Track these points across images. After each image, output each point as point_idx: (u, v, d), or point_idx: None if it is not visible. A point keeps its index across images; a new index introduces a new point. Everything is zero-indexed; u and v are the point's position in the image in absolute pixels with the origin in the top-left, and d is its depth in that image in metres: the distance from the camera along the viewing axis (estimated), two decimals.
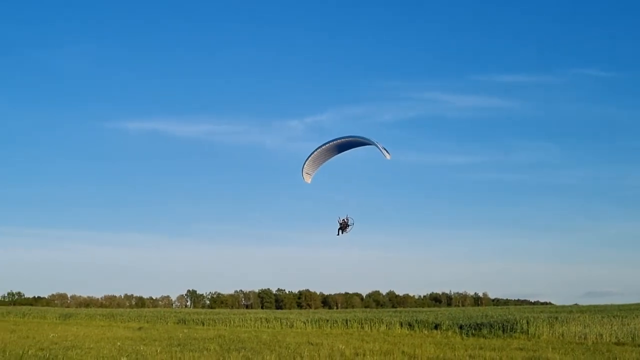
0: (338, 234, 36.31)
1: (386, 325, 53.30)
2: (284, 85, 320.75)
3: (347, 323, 56.34)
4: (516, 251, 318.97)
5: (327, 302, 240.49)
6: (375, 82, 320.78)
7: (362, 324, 55.23)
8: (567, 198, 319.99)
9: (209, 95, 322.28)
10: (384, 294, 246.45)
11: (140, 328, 60.19)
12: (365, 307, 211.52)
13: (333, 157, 35.98)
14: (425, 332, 49.28)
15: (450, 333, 47.23)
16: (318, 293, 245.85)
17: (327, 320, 58.18)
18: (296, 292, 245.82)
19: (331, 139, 34.62)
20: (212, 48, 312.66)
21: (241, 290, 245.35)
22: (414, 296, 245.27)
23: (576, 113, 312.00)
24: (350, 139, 34.45)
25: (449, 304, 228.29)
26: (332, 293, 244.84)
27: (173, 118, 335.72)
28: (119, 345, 36.59)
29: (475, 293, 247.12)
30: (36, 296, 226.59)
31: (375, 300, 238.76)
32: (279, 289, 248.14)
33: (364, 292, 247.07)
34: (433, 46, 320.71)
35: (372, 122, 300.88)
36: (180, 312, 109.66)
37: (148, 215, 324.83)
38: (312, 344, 37.48)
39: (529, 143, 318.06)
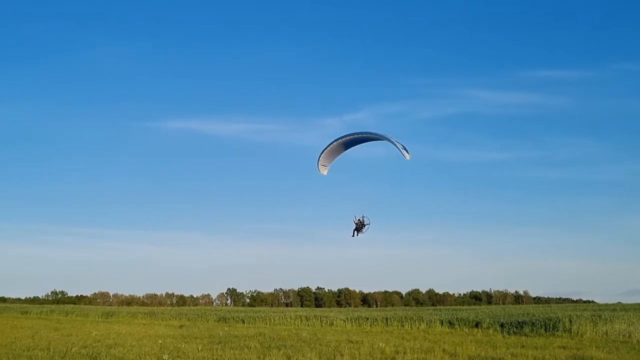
0: (353, 235, 34.96)
1: (426, 324, 53.03)
2: (321, 84, 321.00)
3: (387, 321, 56.15)
4: (557, 249, 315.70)
5: (366, 300, 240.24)
6: (411, 80, 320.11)
7: (402, 322, 55.00)
8: (609, 195, 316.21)
9: (246, 94, 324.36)
10: (423, 292, 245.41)
11: (181, 326, 60.70)
12: (405, 305, 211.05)
13: (350, 150, 35.24)
14: (466, 330, 48.90)
15: (491, 331, 46.80)
16: (357, 291, 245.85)
17: (367, 319, 58.02)
18: (335, 290, 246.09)
19: (348, 133, 34.13)
20: (249, 49, 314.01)
21: (281, 289, 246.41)
22: (453, 294, 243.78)
23: (617, 108, 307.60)
24: (368, 135, 33.67)
25: (489, 302, 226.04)
26: (372, 291, 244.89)
27: (212, 117, 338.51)
28: (161, 343, 36.94)
29: (516, 291, 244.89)
30: (79, 295, 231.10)
31: (415, 299, 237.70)
32: (318, 287, 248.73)
33: (404, 291, 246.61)
34: (469, 42, 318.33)
35: (410, 119, 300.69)
36: (220, 310, 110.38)
37: (189, 214, 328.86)
38: (352, 342, 37.45)
39: (569, 139, 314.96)
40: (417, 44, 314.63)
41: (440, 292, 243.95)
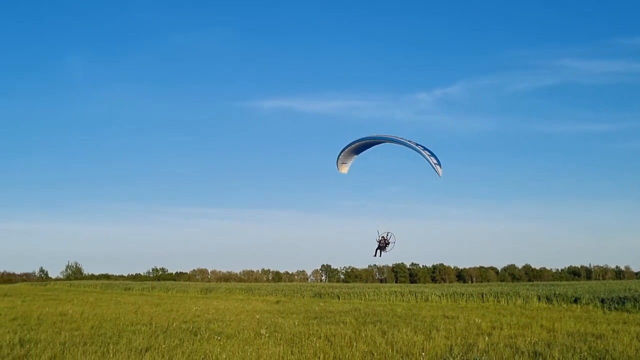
0: (375, 255, 33.07)
1: (523, 299, 52.22)
2: (412, 58, 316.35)
3: (482, 297, 55.58)
4: None
5: (461, 276, 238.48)
6: (506, 51, 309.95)
7: (498, 297, 54.35)
8: None
9: (340, 70, 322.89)
10: (519, 267, 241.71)
11: (277, 301, 61.57)
12: (501, 280, 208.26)
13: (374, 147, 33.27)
14: (564, 305, 47.88)
15: (590, 307, 45.66)
16: (452, 267, 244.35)
17: (463, 294, 57.56)
18: (430, 266, 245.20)
19: (377, 135, 32.08)
20: (338, 24, 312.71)
21: (375, 265, 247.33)
22: (550, 270, 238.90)
23: None
24: (399, 143, 30.87)
25: (588, 278, 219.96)
26: (467, 267, 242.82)
27: (306, 95, 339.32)
28: (258, 318, 37.57)
29: (616, 266, 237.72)
30: (179, 271, 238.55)
31: (511, 274, 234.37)
32: (412, 263, 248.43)
33: (499, 266, 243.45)
34: (565, 11, 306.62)
35: (505, 92, 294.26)
36: (315, 286, 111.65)
37: (283, 191, 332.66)
38: (447, 317, 37.27)
39: None
40: (511, 14, 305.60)
41: (537, 267, 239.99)
